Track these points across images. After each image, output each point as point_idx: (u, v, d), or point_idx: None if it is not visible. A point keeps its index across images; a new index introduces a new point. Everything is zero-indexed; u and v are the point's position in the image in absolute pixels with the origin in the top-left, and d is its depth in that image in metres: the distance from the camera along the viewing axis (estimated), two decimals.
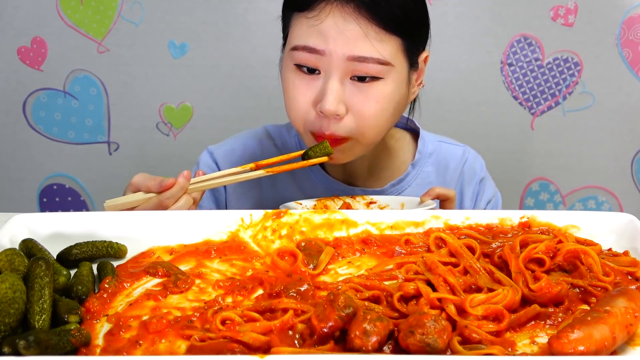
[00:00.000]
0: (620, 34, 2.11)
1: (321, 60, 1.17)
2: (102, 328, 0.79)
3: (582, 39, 2.13)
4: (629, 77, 2.14)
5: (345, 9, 1.15)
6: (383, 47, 1.16)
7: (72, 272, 0.89)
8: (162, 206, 1.08)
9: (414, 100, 1.34)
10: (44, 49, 2.19)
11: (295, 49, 1.19)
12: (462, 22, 2.14)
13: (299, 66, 1.20)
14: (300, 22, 1.20)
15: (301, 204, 1.24)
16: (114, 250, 0.95)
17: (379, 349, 0.72)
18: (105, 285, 0.86)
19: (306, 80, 1.20)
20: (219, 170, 1.36)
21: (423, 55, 1.28)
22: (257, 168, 1.14)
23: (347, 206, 1.25)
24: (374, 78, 1.18)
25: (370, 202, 1.26)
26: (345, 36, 1.15)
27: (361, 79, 1.18)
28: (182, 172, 1.10)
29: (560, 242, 0.90)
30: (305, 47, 1.18)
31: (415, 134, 1.47)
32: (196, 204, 1.15)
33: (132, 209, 1.09)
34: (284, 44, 1.29)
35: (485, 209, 1.42)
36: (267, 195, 1.42)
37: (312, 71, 1.20)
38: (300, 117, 1.22)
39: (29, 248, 0.91)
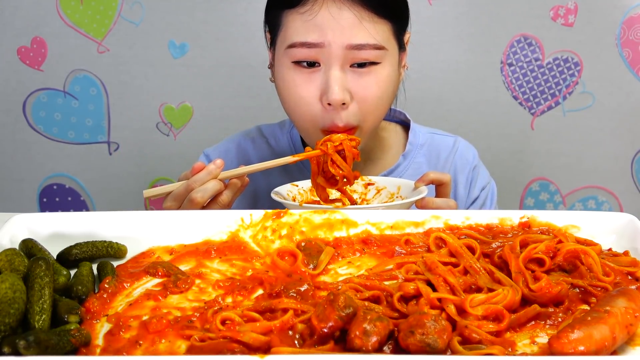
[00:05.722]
0: (620, 34, 2.11)
1: (320, 53, 1.19)
2: (102, 328, 0.79)
3: (582, 39, 2.12)
4: (629, 77, 2.14)
5: None
6: (377, 32, 1.19)
7: (72, 272, 0.89)
8: (190, 189, 1.09)
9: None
10: (44, 49, 2.19)
11: (292, 46, 1.20)
12: (462, 22, 2.13)
13: (297, 62, 1.21)
14: (293, 19, 1.20)
15: (297, 185, 1.24)
16: (114, 250, 0.95)
17: (379, 349, 0.72)
18: (105, 285, 0.86)
19: (306, 74, 1.21)
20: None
21: (407, 36, 1.32)
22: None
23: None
24: (372, 63, 1.21)
25: (369, 184, 1.27)
26: (341, 25, 1.17)
27: (360, 65, 1.20)
28: (214, 160, 1.12)
29: (560, 242, 0.90)
30: (304, 43, 1.19)
31: (406, 126, 1.49)
32: (238, 194, 1.15)
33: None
34: (271, 45, 1.29)
35: (479, 195, 1.44)
36: (261, 189, 1.43)
37: (311, 64, 1.21)
38: (308, 113, 1.23)
39: (29, 248, 0.91)
